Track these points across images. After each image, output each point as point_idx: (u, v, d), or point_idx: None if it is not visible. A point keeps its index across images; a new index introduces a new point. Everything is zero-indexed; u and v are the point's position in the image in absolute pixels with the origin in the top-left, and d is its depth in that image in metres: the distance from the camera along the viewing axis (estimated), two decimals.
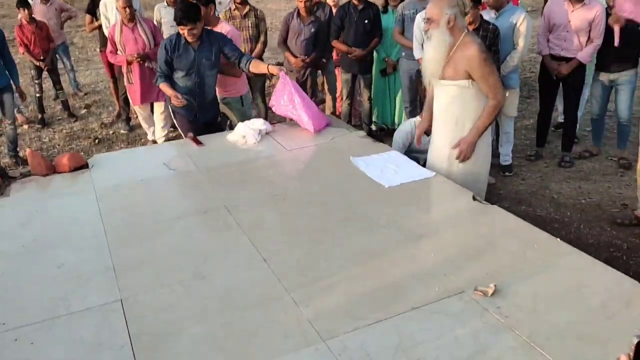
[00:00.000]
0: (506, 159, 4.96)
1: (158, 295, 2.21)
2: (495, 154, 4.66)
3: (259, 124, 3.87)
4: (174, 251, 2.52)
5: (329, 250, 2.47)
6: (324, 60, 5.51)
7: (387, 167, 3.27)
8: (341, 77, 5.62)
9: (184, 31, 3.79)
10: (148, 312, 2.11)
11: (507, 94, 4.02)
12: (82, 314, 2.12)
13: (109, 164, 3.58)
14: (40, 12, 6.86)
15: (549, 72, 4.87)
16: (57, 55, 7.11)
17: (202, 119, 4.14)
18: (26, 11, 6.33)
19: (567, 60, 4.72)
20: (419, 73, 5.07)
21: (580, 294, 2.08)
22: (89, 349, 1.92)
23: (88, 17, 6.54)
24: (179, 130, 4.35)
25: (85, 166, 3.47)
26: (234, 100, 4.52)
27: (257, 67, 3.98)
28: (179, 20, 3.75)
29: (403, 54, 5.26)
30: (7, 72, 5.40)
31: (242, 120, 3.98)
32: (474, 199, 2.87)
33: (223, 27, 4.30)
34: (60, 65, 7.32)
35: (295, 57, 5.30)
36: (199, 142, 3.79)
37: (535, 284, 2.13)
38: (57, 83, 6.96)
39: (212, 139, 3.89)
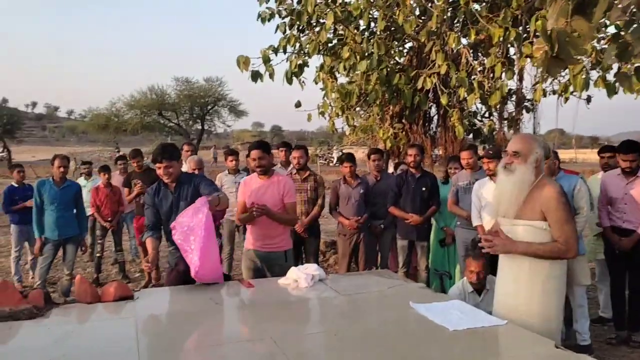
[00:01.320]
0: (584, 337, 4.43)
1: None
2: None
3: (312, 269, 3.72)
4: None
5: None
6: (382, 226, 5.52)
7: (452, 312, 2.95)
8: (397, 244, 5.54)
9: (160, 169, 3.72)
10: None
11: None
12: None
13: (156, 297, 3.46)
14: (117, 180, 7.47)
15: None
16: (124, 222, 7.50)
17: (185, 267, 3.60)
18: (106, 175, 6.91)
19: (630, 232, 4.50)
20: (474, 242, 4.98)
21: None
22: None
23: (126, 190, 6.95)
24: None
25: (130, 297, 3.35)
26: (276, 255, 4.18)
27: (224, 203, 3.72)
28: (155, 157, 3.71)
29: (458, 223, 5.24)
30: (77, 225, 5.69)
31: None
32: (556, 347, 2.48)
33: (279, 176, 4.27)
34: (124, 230, 7.68)
35: (348, 219, 5.34)
36: (249, 284, 3.64)
37: None
38: (118, 244, 7.21)
39: (263, 282, 3.74)
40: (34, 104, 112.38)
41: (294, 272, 3.68)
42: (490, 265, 3.82)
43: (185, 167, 6.29)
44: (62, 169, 5.71)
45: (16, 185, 6.58)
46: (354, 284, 3.65)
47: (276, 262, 4.16)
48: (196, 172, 5.37)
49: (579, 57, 5.49)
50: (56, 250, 5.74)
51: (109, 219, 6.92)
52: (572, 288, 4.32)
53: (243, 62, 6.42)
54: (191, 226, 3.37)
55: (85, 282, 3.40)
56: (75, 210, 5.69)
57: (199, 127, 30.47)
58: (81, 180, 7.61)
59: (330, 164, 29.82)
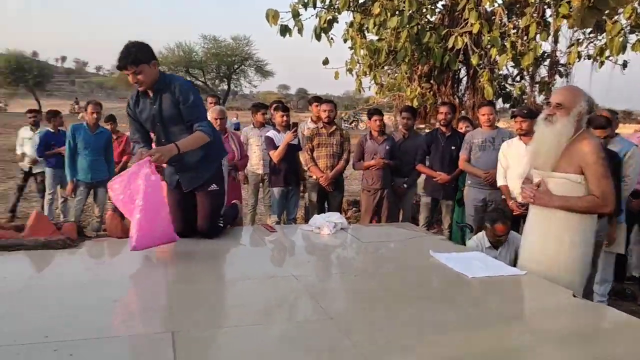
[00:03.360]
0: (602, 300, 4.45)
1: (212, 334, 1.99)
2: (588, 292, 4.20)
3: (335, 217, 3.79)
4: (233, 302, 2.33)
5: (406, 319, 2.18)
6: (405, 185, 5.53)
7: (472, 262, 2.99)
8: (421, 201, 5.57)
9: (129, 77, 3.11)
10: (199, 346, 1.88)
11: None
12: (128, 338, 1.93)
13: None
14: None
15: None
16: None
17: (188, 187, 3.39)
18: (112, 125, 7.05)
19: None
20: (484, 202, 4.98)
21: None
22: None
23: None
24: None
25: None
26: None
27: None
28: (119, 62, 3.05)
29: (469, 182, 5.17)
30: (107, 169, 5.85)
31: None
32: (574, 296, 2.51)
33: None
34: None
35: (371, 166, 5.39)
36: (271, 229, 3.73)
37: None
38: None
39: (285, 228, 3.82)
40: (64, 59, 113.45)
41: (317, 220, 3.76)
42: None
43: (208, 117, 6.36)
44: (95, 115, 5.84)
45: (52, 131, 6.76)
46: (375, 233, 3.72)
47: None
48: (218, 122, 5.35)
49: (616, 12, 5.31)
50: (88, 193, 5.95)
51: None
52: (602, 254, 4.29)
53: (272, 15, 6.37)
54: (130, 193, 2.94)
55: (116, 218, 3.53)
56: (104, 157, 5.85)
57: (225, 88, 30.48)
58: (26, 131, 7.25)
59: (355, 128, 29.66)
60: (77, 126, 5.92)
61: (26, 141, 7.15)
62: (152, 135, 3.41)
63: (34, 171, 7.15)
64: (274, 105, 6.17)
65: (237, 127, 16.86)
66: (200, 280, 2.71)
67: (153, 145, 3.34)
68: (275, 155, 5.41)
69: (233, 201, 4.01)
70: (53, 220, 6.63)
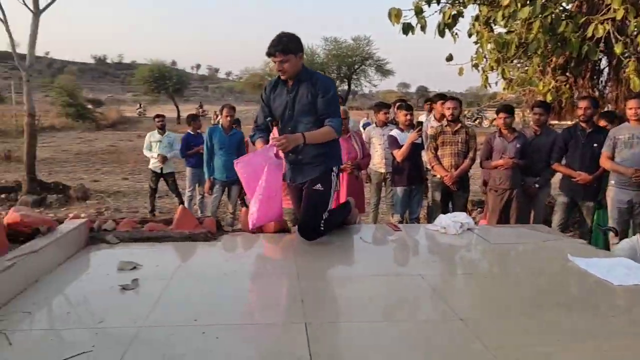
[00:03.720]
0: None
1: (342, 327, 2.06)
2: None
3: (461, 217, 3.69)
4: (362, 298, 2.38)
5: (542, 325, 2.07)
6: (536, 185, 5.22)
7: (616, 268, 2.75)
8: (558, 200, 5.21)
9: (275, 64, 3.28)
10: (330, 338, 1.96)
11: None
12: (265, 326, 2.06)
13: None
14: None
15: None
16: None
17: (299, 181, 3.43)
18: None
19: None
20: (630, 204, 4.50)
21: None
22: (267, 352, 1.82)
23: None
24: None
25: (288, 231, 3.64)
26: None
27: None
28: (268, 49, 3.21)
29: (612, 181, 4.72)
30: None
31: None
32: None
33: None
34: None
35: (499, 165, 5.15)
36: (396, 227, 3.73)
37: None
38: None
39: (410, 227, 3.80)
40: (198, 66, 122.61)
41: (443, 219, 3.69)
42: None
43: None
44: (228, 118, 6.29)
45: (192, 134, 7.40)
46: (505, 234, 3.56)
47: None
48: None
49: None
50: (223, 191, 6.43)
51: None
52: None
53: (395, 14, 6.33)
54: (254, 172, 3.23)
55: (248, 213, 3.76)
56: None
57: (346, 88, 30.93)
58: (155, 135, 7.94)
59: (479, 125, 28.47)
60: (213, 128, 6.42)
61: (154, 144, 7.85)
62: (273, 128, 3.54)
63: (164, 171, 7.80)
64: (398, 104, 6.16)
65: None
66: (328, 275, 2.81)
67: (273, 134, 3.49)
68: (399, 154, 5.40)
69: (347, 198, 4.06)
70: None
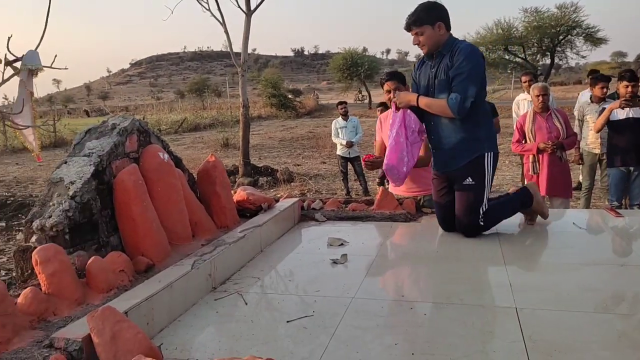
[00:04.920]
0: None
1: (557, 316, 1.93)
2: None
3: None
4: (579, 287, 2.20)
5: None
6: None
7: None
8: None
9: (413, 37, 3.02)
10: (545, 324, 1.86)
11: None
12: (475, 307, 2.04)
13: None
14: None
15: None
16: None
17: (441, 169, 3.11)
18: None
19: None
20: None
21: None
22: (478, 332, 1.81)
23: None
24: None
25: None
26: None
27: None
28: (404, 24, 2.99)
29: None
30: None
31: None
32: None
33: None
34: None
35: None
36: (617, 214, 3.34)
37: None
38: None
39: (633, 214, 3.38)
40: (388, 51, 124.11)
41: None
42: None
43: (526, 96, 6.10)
44: None
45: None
46: None
47: None
48: (540, 99, 5.00)
49: None
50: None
51: None
52: None
53: None
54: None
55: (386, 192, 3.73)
56: None
57: (547, 62, 28.31)
58: (339, 121, 8.59)
59: None
60: None
61: (340, 130, 8.41)
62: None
63: (351, 155, 8.32)
64: (621, 74, 5.44)
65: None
66: (539, 261, 2.66)
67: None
68: (595, 126, 4.95)
69: (527, 183, 3.57)
70: None
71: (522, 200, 3.17)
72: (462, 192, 2.99)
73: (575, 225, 3.14)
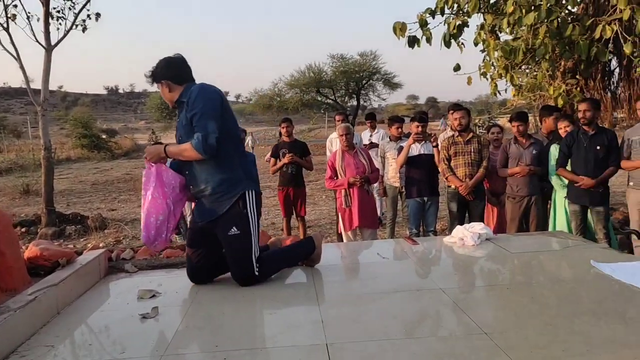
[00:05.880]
0: None
1: (365, 347, 2.02)
2: None
3: (478, 227, 3.65)
4: (383, 315, 2.35)
5: (569, 335, 2.02)
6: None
7: None
8: (569, 209, 5.13)
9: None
10: (351, 356, 1.94)
11: None
12: (288, 348, 2.04)
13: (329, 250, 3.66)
14: None
15: None
16: None
17: (205, 218, 2.95)
18: None
19: None
20: None
21: None
22: None
23: (272, 159, 6.84)
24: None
25: None
26: None
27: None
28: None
29: (631, 183, 4.68)
30: None
31: None
32: None
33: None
34: None
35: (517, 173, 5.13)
36: (413, 242, 3.70)
37: None
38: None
39: (427, 240, 3.77)
40: None
41: (460, 231, 3.65)
42: None
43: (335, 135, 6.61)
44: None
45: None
46: (525, 243, 3.51)
47: None
48: (344, 138, 5.42)
49: None
50: None
51: None
52: None
53: (399, 28, 6.36)
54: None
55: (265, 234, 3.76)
56: None
57: (355, 104, 30.99)
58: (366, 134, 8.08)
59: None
60: None
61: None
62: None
63: None
64: (411, 117, 6.16)
65: None
66: (350, 293, 2.78)
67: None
68: (397, 161, 5.61)
69: (311, 234, 3.45)
70: None
71: (305, 251, 3.21)
72: (229, 243, 2.89)
73: (380, 256, 3.40)
